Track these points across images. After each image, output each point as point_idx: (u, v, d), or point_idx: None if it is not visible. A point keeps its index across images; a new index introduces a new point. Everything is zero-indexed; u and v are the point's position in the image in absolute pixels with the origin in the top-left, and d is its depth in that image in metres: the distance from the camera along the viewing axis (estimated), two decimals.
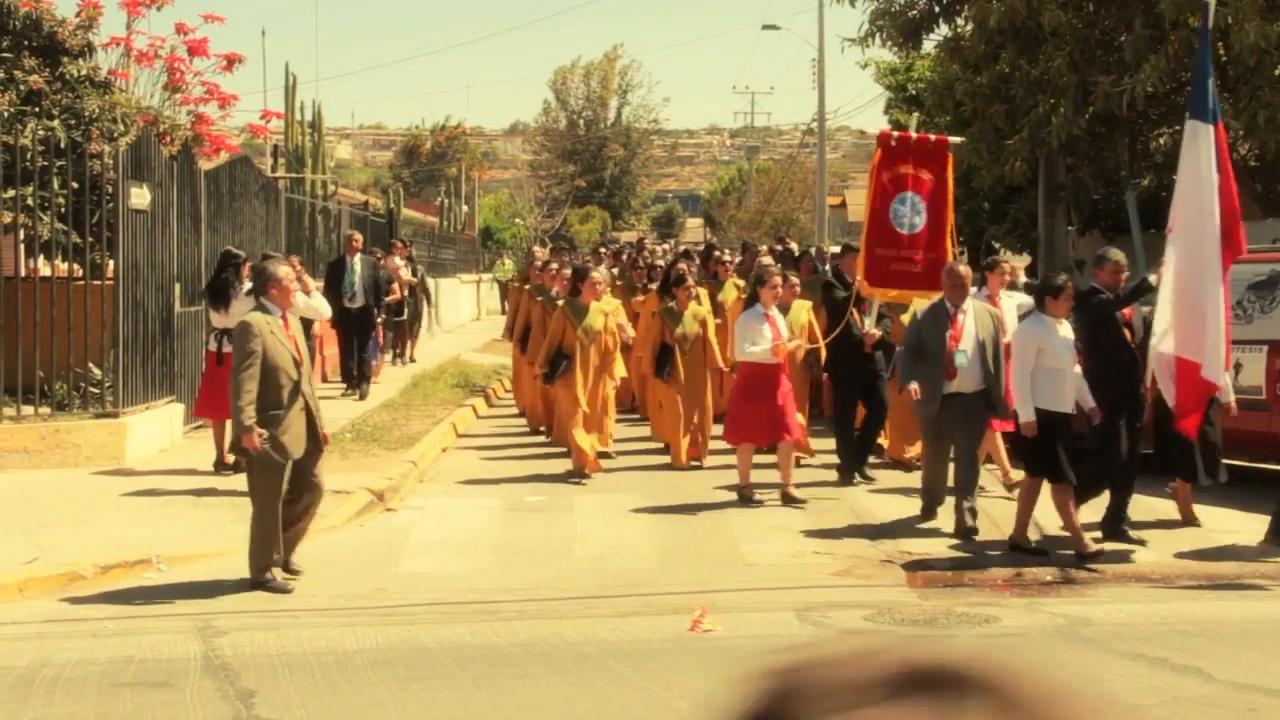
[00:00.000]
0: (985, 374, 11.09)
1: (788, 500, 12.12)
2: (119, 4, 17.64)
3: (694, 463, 14.11)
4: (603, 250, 26.54)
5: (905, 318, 13.15)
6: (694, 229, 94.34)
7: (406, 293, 23.10)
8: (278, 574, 9.38)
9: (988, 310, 11.53)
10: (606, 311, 13.92)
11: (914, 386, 11.06)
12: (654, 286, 16.76)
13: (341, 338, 19.69)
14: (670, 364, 14.09)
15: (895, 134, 13.06)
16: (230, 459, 13.16)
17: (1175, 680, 7.41)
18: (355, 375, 19.33)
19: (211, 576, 9.77)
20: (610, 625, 8.57)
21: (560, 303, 14.04)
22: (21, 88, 15.03)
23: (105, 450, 13.28)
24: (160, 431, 14.34)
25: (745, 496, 12.34)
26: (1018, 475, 11.64)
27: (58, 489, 12.26)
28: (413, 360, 24.21)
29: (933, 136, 13.40)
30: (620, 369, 14.07)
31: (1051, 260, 22.68)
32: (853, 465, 13.27)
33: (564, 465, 14.11)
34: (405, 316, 23.86)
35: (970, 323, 11.18)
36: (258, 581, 9.29)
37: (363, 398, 18.73)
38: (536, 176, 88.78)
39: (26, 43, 15.58)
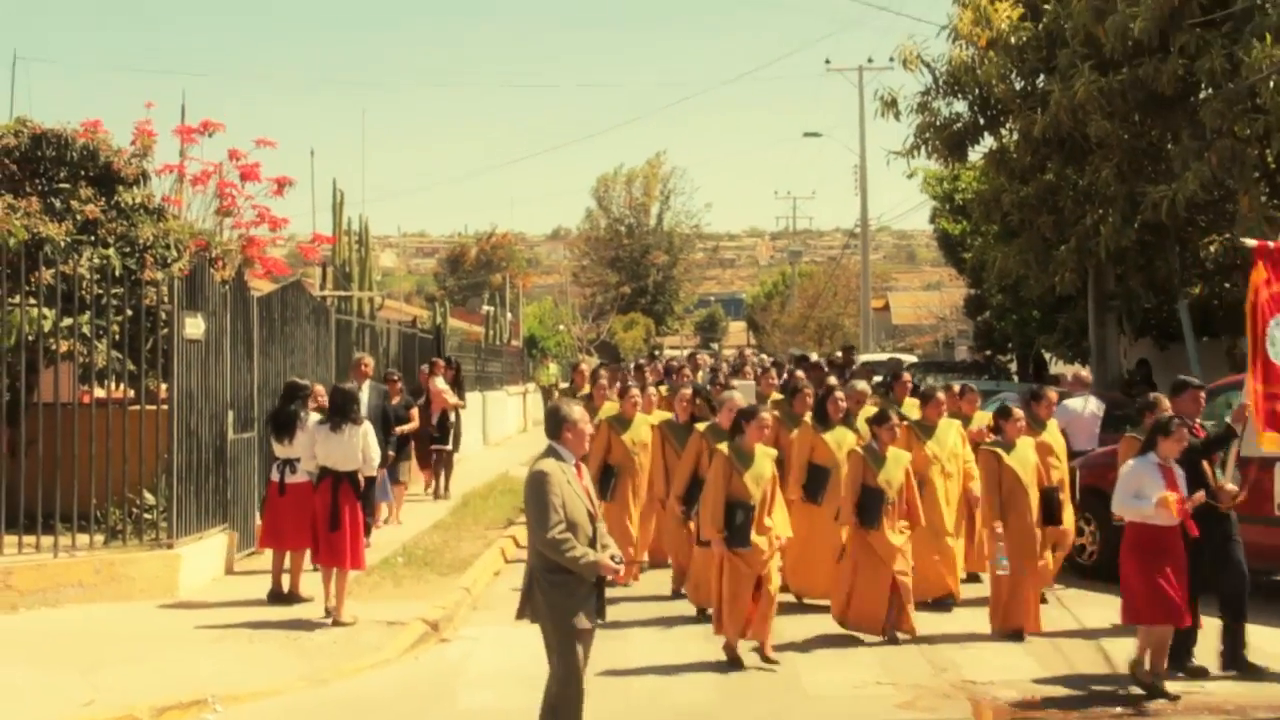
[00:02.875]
0: None
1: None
2: (173, 132, 18.01)
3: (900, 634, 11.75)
4: (643, 362, 26.12)
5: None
6: (736, 333, 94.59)
7: (452, 418, 21.33)
8: None
9: None
10: (773, 455, 11.40)
11: None
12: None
13: None
14: (880, 511, 11.70)
15: (1272, 244, 10.99)
16: (286, 589, 13.13)
17: None
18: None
19: (266, 716, 9.68)
20: None
21: (723, 447, 11.21)
22: (78, 217, 15.24)
23: (159, 582, 13.25)
24: (213, 561, 14.31)
25: (1148, 685, 9.96)
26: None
27: (112, 624, 12.19)
28: (447, 495, 21.27)
29: None
30: (785, 526, 11.31)
31: (1104, 370, 22.56)
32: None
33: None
34: (450, 445, 21.50)
35: None
36: None
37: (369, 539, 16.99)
38: (579, 284, 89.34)
39: (83, 172, 15.85)
